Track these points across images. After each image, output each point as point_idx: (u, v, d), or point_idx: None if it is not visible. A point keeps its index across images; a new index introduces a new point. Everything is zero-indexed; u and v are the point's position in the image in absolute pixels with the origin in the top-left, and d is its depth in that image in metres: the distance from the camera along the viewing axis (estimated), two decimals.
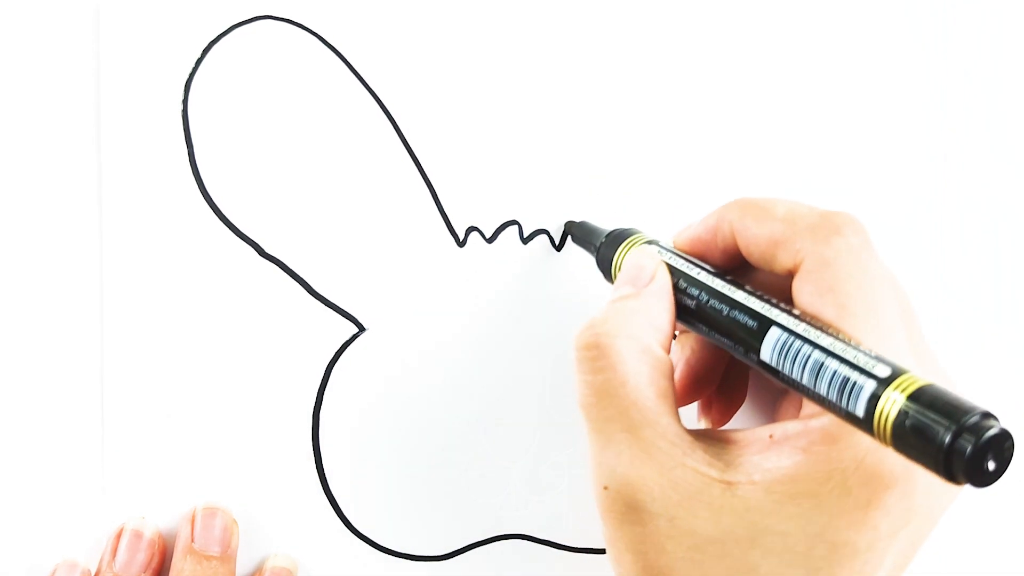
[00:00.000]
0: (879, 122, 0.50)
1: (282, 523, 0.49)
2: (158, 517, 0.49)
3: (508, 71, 0.49)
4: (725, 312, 0.40)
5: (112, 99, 0.48)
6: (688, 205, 0.49)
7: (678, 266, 0.42)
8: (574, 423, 0.49)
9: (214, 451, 0.49)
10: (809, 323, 0.38)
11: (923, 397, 0.34)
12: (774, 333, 0.39)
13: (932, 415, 0.34)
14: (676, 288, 0.42)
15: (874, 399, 0.35)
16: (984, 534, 0.51)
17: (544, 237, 0.49)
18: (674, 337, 0.42)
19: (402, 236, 0.49)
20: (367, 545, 0.49)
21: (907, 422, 0.34)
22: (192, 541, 0.48)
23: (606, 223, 0.49)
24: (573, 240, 0.49)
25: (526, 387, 0.49)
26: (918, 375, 0.35)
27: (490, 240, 0.49)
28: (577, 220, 0.49)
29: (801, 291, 0.39)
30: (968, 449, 0.33)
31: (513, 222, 0.49)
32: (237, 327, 0.49)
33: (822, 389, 0.37)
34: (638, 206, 0.49)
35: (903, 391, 0.35)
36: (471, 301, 0.49)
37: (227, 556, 0.48)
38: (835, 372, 0.37)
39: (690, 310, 0.41)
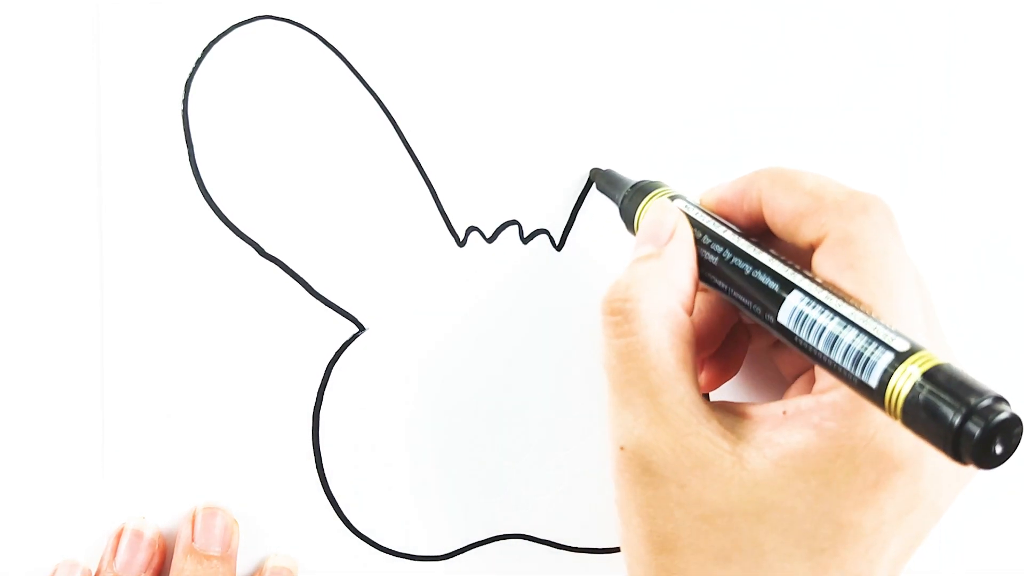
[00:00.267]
0: (878, 121, 0.50)
1: (282, 523, 0.49)
2: (158, 517, 0.49)
3: (508, 71, 0.49)
4: (748, 271, 0.40)
5: (112, 99, 0.48)
6: None
7: (703, 221, 0.42)
8: (574, 423, 0.49)
9: (214, 451, 0.49)
10: (831, 291, 0.38)
11: (938, 375, 0.35)
12: (795, 297, 0.39)
13: (945, 394, 0.34)
14: (698, 243, 0.42)
15: (889, 372, 0.35)
16: (985, 534, 0.51)
17: (544, 237, 0.49)
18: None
19: (402, 236, 0.49)
20: (367, 545, 0.49)
21: (920, 397, 0.34)
22: (192, 541, 0.48)
23: (618, 224, 0.49)
24: (597, 188, 0.48)
25: (526, 387, 0.49)
26: (935, 353, 0.35)
27: (490, 240, 0.49)
28: (603, 168, 0.49)
29: (822, 265, 0.39)
30: (977, 432, 0.33)
31: (513, 222, 0.49)
32: (237, 327, 0.49)
33: (837, 356, 0.37)
34: None
35: (920, 366, 0.35)
36: (471, 301, 0.49)
37: (227, 556, 0.48)
38: (853, 341, 0.37)
39: (711, 266, 0.42)
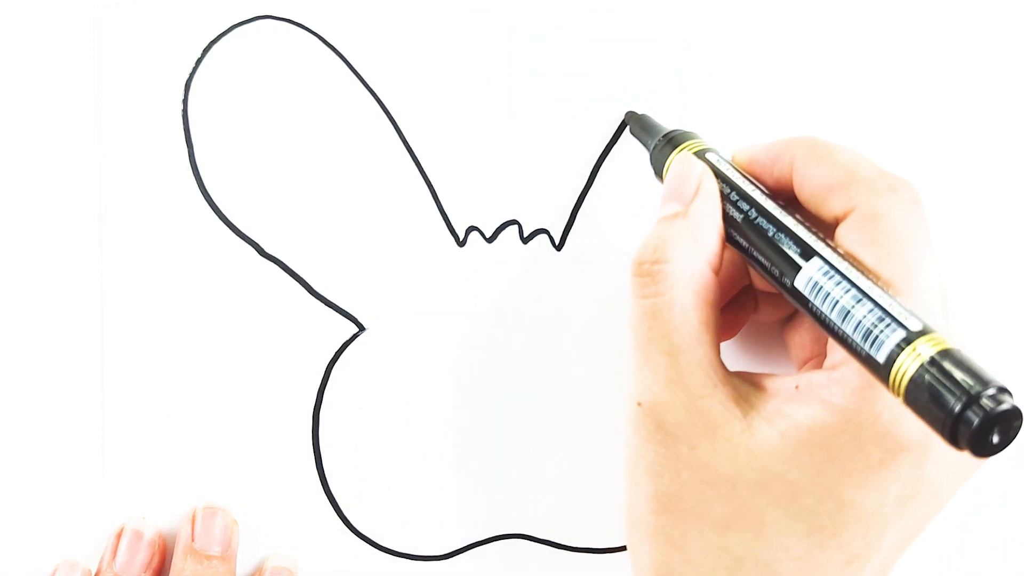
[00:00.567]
0: (880, 119, 0.50)
1: (282, 523, 0.49)
2: (158, 517, 0.49)
3: (508, 71, 0.49)
4: (771, 233, 0.40)
5: (112, 99, 0.48)
6: None
7: (732, 177, 0.42)
8: (574, 422, 0.49)
9: (214, 451, 0.49)
10: (851, 264, 0.38)
11: (946, 359, 0.35)
12: (815, 263, 0.39)
13: (950, 379, 0.34)
14: (725, 198, 0.42)
15: (898, 349, 0.36)
16: (985, 536, 0.51)
17: (544, 237, 0.49)
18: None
19: (402, 236, 0.49)
20: (367, 545, 0.49)
21: (925, 378, 0.35)
22: (192, 541, 0.48)
23: (615, 226, 0.49)
24: (630, 132, 0.48)
25: (526, 386, 0.49)
26: (946, 337, 0.35)
27: (490, 240, 0.49)
28: (639, 112, 0.48)
29: (845, 238, 0.40)
30: (976, 421, 0.34)
31: (513, 222, 0.49)
32: (237, 327, 0.49)
33: (848, 328, 0.37)
34: (638, 205, 0.49)
35: (930, 348, 0.35)
36: (471, 301, 0.49)
37: (227, 556, 0.48)
38: (866, 314, 0.37)
39: (734, 223, 0.42)
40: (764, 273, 0.41)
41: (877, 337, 0.36)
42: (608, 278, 0.49)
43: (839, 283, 0.38)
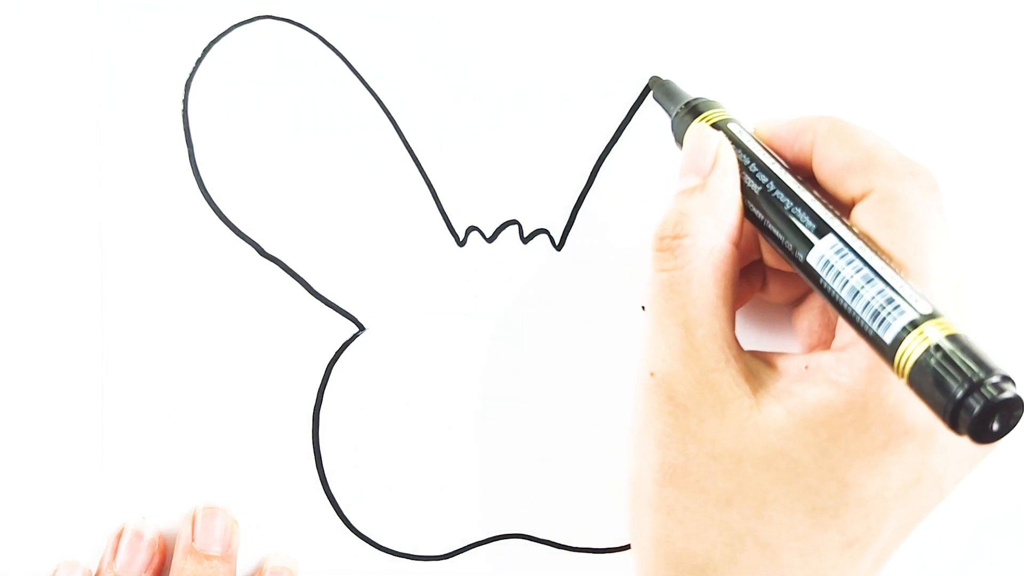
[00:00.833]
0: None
1: (282, 523, 0.49)
2: (158, 517, 0.49)
3: (508, 71, 0.49)
4: (787, 207, 0.41)
5: (112, 99, 0.48)
6: None
7: (752, 149, 0.42)
8: (575, 422, 0.49)
9: (214, 451, 0.49)
10: (865, 243, 0.39)
11: (952, 344, 0.35)
12: (829, 240, 0.39)
13: (954, 364, 0.35)
14: (744, 169, 0.42)
15: (905, 331, 0.36)
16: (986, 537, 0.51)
17: (544, 237, 0.49)
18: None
19: (402, 236, 0.49)
20: (367, 545, 0.49)
21: (930, 362, 0.35)
22: (193, 541, 0.48)
23: (615, 226, 0.49)
24: (653, 98, 0.48)
25: (526, 386, 0.49)
26: (954, 322, 0.36)
27: (490, 240, 0.49)
28: (664, 78, 0.48)
29: (861, 219, 0.40)
30: (976, 408, 0.34)
31: (513, 222, 0.49)
32: (237, 327, 0.49)
33: (858, 306, 0.38)
34: (638, 206, 0.49)
35: (937, 331, 0.35)
36: (471, 301, 0.49)
37: (227, 556, 0.48)
38: (876, 294, 0.37)
39: (750, 194, 0.42)
40: (777, 247, 0.41)
41: (885, 318, 0.37)
42: (608, 278, 0.49)
43: (852, 262, 0.38)
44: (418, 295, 0.49)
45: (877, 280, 0.37)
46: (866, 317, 0.37)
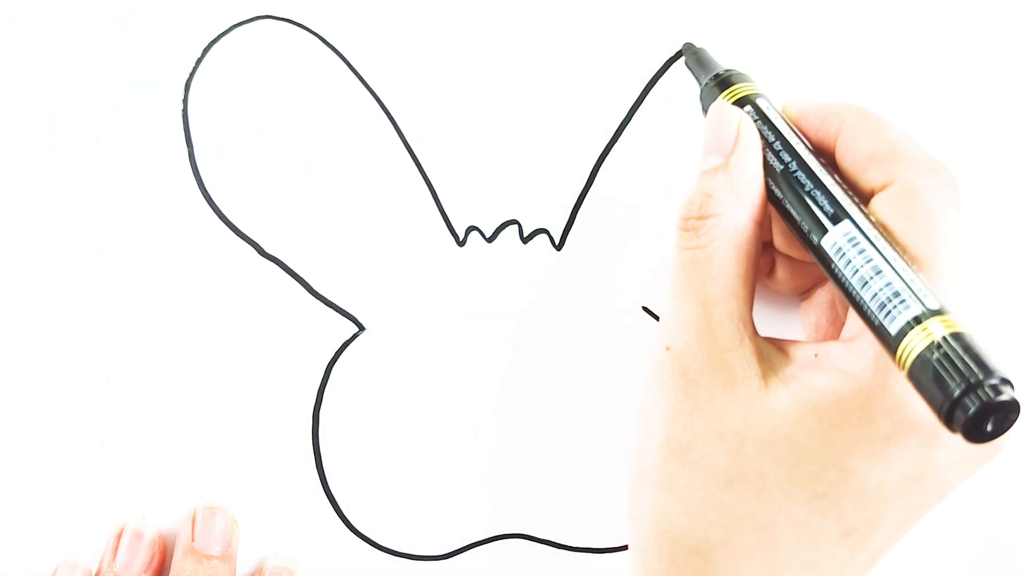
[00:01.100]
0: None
1: (282, 523, 0.49)
2: (158, 517, 0.49)
3: (508, 71, 0.49)
4: (807, 188, 0.41)
5: (112, 99, 0.48)
6: None
7: (779, 126, 0.42)
8: (574, 422, 0.49)
9: (214, 451, 0.49)
10: (881, 232, 0.39)
11: (955, 342, 0.35)
12: (845, 227, 0.39)
13: (953, 363, 0.35)
14: (767, 146, 0.42)
15: (911, 325, 0.36)
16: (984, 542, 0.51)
17: (544, 237, 0.49)
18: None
19: (402, 236, 0.49)
20: (367, 545, 0.49)
21: (932, 358, 0.35)
22: (193, 541, 0.48)
23: (615, 226, 0.49)
24: (685, 64, 0.48)
25: (526, 386, 0.49)
26: (960, 320, 0.36)
27: (490, 240, 0.49)
28: (698, 46, 0.48)
29: (879, 209, 0.40)
30: (972, 409, 0.34)
31: (513, 222, 0.49)
32: (237, 327, 0.49)
33: (867, 295, 0.38)
34: (639, 206, 0.49)
35: (942, 328, 0.36)
36: (471, 301, 0.49)
37: (227, 556, 0.48)
38: (886, 285, 0.37)
39: (771, 172, 0.42)
40: (792, 228, 0.41)
41: (891, 310, 0.37)
42: (608, 278, 0.49)
43: (863, 251, 0.38)
44: (418, 295, 0.49)
45: (887, 272, 0.38)
46: (873, 307, 0.37)
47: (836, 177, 0.41)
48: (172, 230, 0.49)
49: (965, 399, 0.34)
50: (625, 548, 0.49)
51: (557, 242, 0.49)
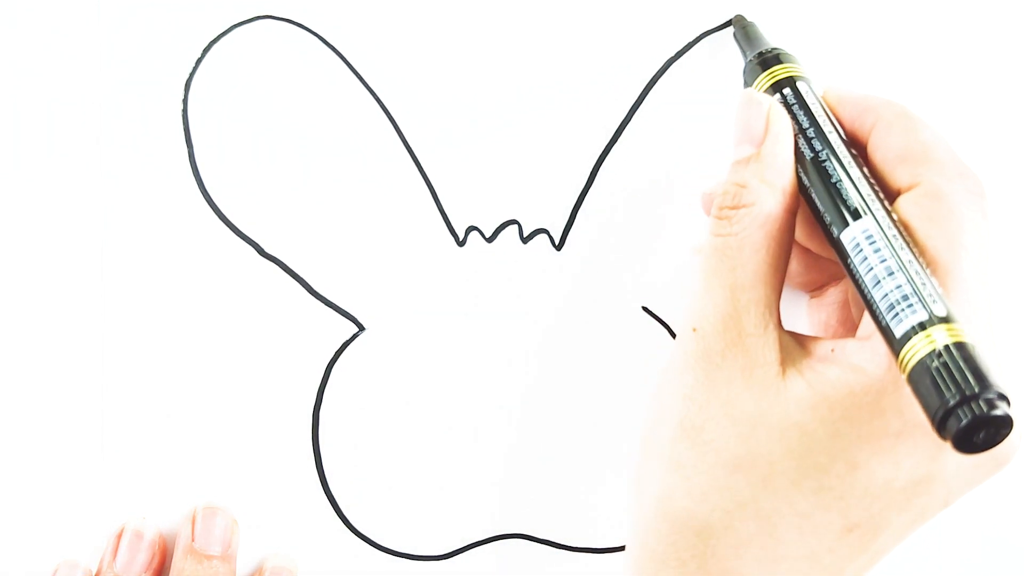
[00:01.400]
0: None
1: (282, 523, 0.49)
2: (158, 517, 0.49)
3: (508, 71, 0.49)
4: (834, 179, 0.41)
5: (112, 99, 0.48)
6: (693, 206, 0.49)
7: (815, 113, 0.42)
8: (575, 422, 0.49)
9: (214, 451, 0.49)
10: (900, 232, 0.39)
11: (957, 352, 0.35)
12: (865, 223, 0.39)
13: (952, 373, 0.35)
14: (801, 132, 0.42)
15: (916, 329, 0.36)
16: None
17: (544, 237, 0.49)
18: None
19: (402, 236, 0.49)
20: (367, 545, 0.49)
21: (931, 365, 0.35)
22: (193, 541, 0.48)
23: (615, 226, 0.49)
24: (733, 36, 0.48)
25: (526, 386, 0.49)
26: (966, 330, 0.36)
27: (490, 240, 0.49)
28: (750, 20, 0.48)
29: (903, 209, 0.40)
30: (963, 421, 0.34)
31: (513, 222, 0.49)
32: (237, 327, 0.49)
33: (877, 294, 0.38)
34: (639, 206, 0.49)
35: (946, 336, 0.36)
36: (471, 301, 0.49)
37: (227, 556, 0.48)
38: (897, 287, 0.37)
39: (801, 158, 0.42)
40: (816, 217, 0.41)
41: (899, 313, 0.37)
42: (608, 278, 0.49)
43: (879, 250, 0.39)
44: (418, 295, 0.49)
45: (899, 274, 0.38)
46: (883, 308, 0.38)
47: (864, 171, 0.41)
48: (172, 230, 0.49)
49: (959, 410, 0.34)
50: (625, 548, 0.49)
51: (557, 242, 0.49)
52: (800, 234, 0.44)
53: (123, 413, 0.49)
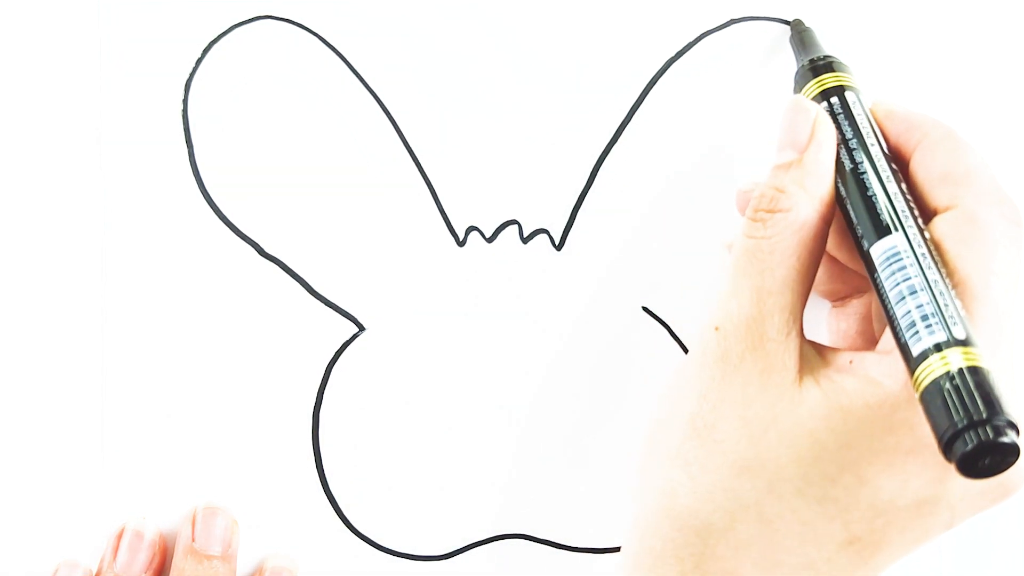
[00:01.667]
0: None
1: (282, 523, 0.49)
2: (158, 517, 0.49)
3: (508, 71, 0.49)
4: (870, 192, 0.41)
5: (112, 99, 0.48)
6: (693, 206, 0.49)
7: (860, 124, 0.43)
8: (575, 422, 0.49)
9: (214, 451, 0.49)
10: (931, 254, 0.39)
11: (971, 376, 0.36)
12: (895, 239, 0.39)
13: (963, 397, 0.35)
14: (843, 141, 0.42)
15: (932, 350, 0.36)
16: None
17: (544, 237, 0.49)
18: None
19: (402, 236, 0.49)
20: (367, 545, 0.49)
21: (944, 387, 0.35)
22: (193, 541, 0.48)
23: (615, 226, 0.49)
24: (789, 40, 0.48)
25: (526, 386, 0.49)
26: (985, 355, 0.36)
27: (490, 240, 0.49)
28: (807, 25, 0.48)
29: (938, 229, 0.40)
30: (970, 446, 0.35)
31: (513, 222, 0.49)
32: (237, 327, 0.49)
33: (899, 311, 0.38)
34: (639, 206, 0.49)
35: (962, 359, 0.36)
36: (471, 301, 0.49)
37: (228, 556, 0.48)
38: (919, 307, 0.38)
39: (840, 168, 0.42)
40: (849, 228, 0.41)
41: (918, 331, 0.37)
42: (608, 278, 0.49)
43: (906, 267, 0.39)
44: (418, 295, 0.49)
45: (923, 293, 0.38)
46: (903, 325, 0.38)
47: (903, 187, 0.41)
48: (172, 230, 0.49)
49: (965, 434, 0.35)
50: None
51: (557, 242, 0.49)
52: (831, 243, 0.44)
53: (123, 413, 0.49)
